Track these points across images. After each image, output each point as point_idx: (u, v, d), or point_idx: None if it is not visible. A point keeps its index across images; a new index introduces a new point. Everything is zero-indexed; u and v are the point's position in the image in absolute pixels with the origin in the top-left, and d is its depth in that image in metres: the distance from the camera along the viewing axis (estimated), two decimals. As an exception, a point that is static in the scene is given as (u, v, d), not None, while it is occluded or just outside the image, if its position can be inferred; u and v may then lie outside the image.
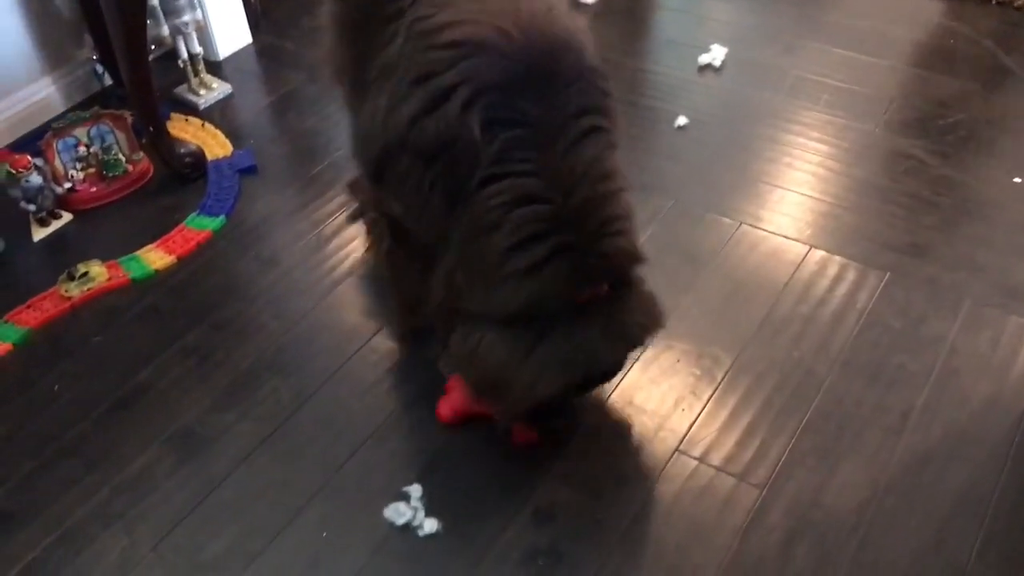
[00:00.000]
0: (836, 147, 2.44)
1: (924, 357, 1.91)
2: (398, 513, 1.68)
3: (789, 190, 2.32)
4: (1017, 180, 2.32)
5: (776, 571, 1.58)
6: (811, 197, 2.30)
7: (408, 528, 1.67)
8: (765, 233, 2.19)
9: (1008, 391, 1.84)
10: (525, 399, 1.53)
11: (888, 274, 2.08)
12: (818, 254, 2.13)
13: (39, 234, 2.31)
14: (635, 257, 1.56)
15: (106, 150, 2.40)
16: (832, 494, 1.69)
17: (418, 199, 1.53)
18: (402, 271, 1.85)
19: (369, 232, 2.04)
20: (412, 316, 1.93)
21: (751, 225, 2.22)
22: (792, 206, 2.27)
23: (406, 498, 1.70)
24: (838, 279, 2.07)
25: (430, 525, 1.66)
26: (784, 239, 2.17)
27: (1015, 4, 2.92)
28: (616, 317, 1.54)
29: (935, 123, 2.50)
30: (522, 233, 1.45)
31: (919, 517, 1.64)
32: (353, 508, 1.71)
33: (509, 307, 1.49)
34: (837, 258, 2.12)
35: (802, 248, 2.15)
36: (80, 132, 2.37)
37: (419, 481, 1.72)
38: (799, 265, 2.11)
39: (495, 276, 1.49)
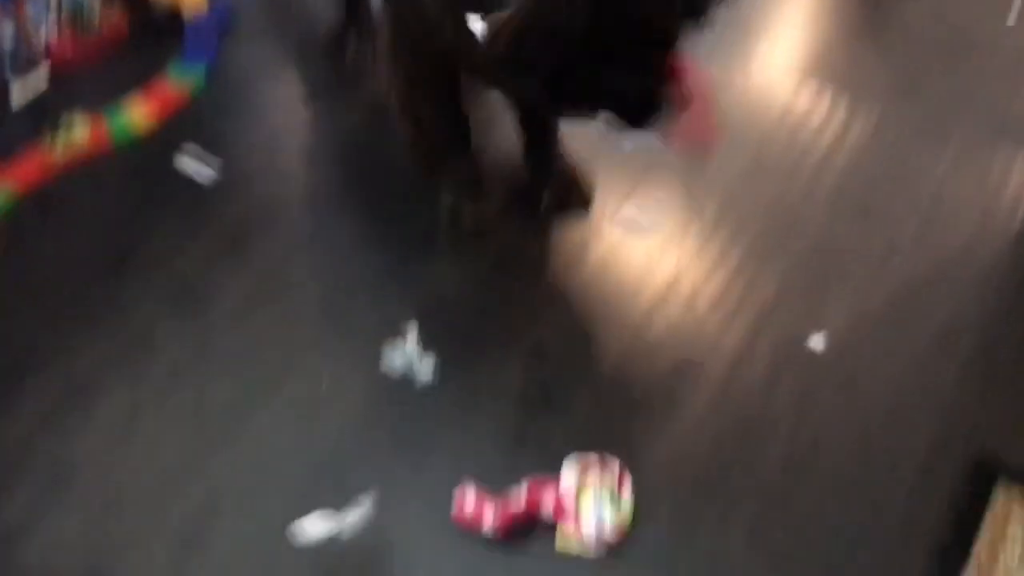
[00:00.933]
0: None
1: (913, 192, 1.92)
2: (395, 359, 1.72)
3: (782, 28, 2.27)
4: (1010, 22, 2.27)
5: (761, 404, 1.64)
6: (805, 33, 2.25)
7: (406, 373, 1.71)
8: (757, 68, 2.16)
9: (993, 223, 1.86)
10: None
11: (879, 108, 2.06)
12: (809, 90, 2.11)
13: (19, 96, 2.26)
14: None
15: (78, 5, 2.32)
16: (817, 325, 1.73)
17: None
18: (419, 100, 1.78)
19: (383, 63, 1.82)
20: (447, 148, 1.87)
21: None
22: (786, 42, 2.23)
23: (402, 345, 1.74)
24: (829, 117, 2.06)
25: (427, 368, 1.71)
26: (775, 76, 2.15)
27: None
28: None
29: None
30: None
31: (902, 345, 1.69)
32: (351, 356, 1.75)
33: None
34: (828, 94, 2.09)
35: (791, 84, 2.13)
36: (50, -13, 2.29)
37: (415, 327, 1.76)
38: (789, 104, 2.09)
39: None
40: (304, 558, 1.49)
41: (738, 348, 1.71)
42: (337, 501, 1.55)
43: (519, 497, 1.48)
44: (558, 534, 1.47)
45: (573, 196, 1.93)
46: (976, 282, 1.77)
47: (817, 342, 1.70)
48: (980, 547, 1.44)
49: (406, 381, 1.70)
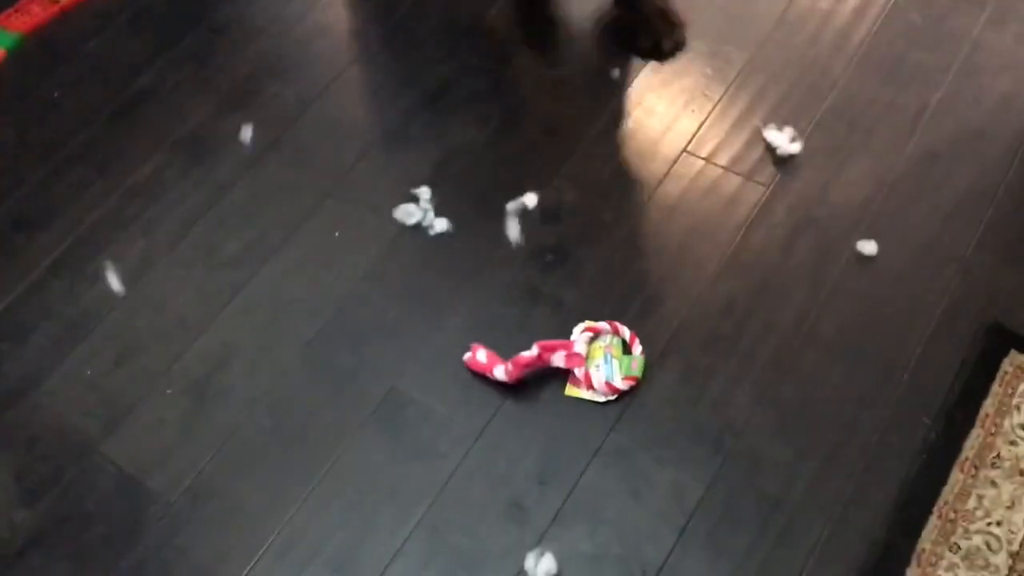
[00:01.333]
0: None
1: (944, 54, 1.85)
2: (408, 213, 1.71)
3: None
4: None
5: (776, 264, 1.62)
6: None
7: (419, 228, 1.70)
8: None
9: (1026, 89, 1.80)
10: None
11: (916, -34, 1.96)
12: (843, -54, 2.00)
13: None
14: None
15: None
16: (838, 191, 1.70)
17: None
18: None
19: None
20: None
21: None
22: None
23: (415, 200, 1.72)
24: (862, -27, 1.96)
25: (440, 224, 1.70)
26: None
27: None
28: None
29: None
30: None
31: (922, 212, 1.66)
32: (364, 209, 1.73)
33: None
34: (863, -50, 1.99)
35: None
36: None
37: (427, 184, 1.74)
38: (822, -42, 1.99)
39: None
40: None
41: (754, 210, 1.68)
42: (349, 352, 1.56)
43: (531, 351, 1.49)
44: (568, 382, 1.49)
45: (670, 33, 1.87)
46: (1003, 150, 1.72)
47: (836, 204, 1.67)
48: (986, 410, 1.46)
49: (420, 231, 1.69)
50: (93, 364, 1.59)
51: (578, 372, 1.48)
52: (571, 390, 1.49)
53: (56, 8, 2.04)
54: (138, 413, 1.53)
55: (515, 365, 1.47)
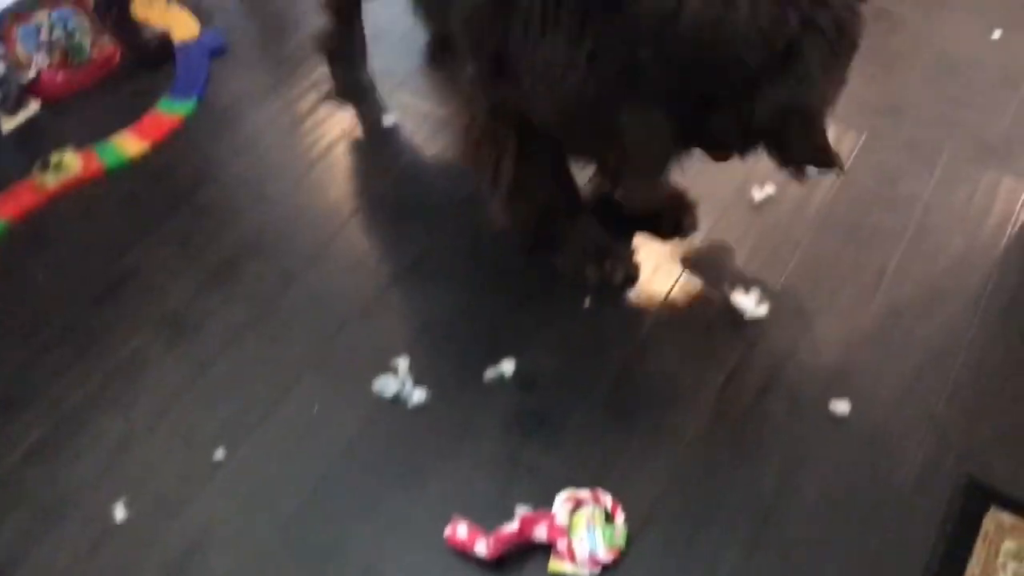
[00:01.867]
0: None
1: (900, 215, 1.93)
2: (387, 385, 1.73)
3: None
4: (995, 36, 2.29)
5: (753, 427, 1.64)
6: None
7: (397, 399, 1.71)
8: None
9: (980, 245, 1.87)
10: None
11: (865, 134, 2.08)
12: (796, 117, 2.12)
13: (9, 124, 2.27)
14: None
15: (69, 35, 2.33)
16: (807, 352, 1.74)
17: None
18: (533, 179, 1.74)
19: (479, 148, 1.74)
20: (544, 223, 1.84)
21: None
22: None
23: (394, 370, 1.74)
24: (816, 141, 2.07)
25: (418, 395, 1.71)
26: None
27: None
28: None
29: (916, -22, 2.46)
30: None
31: (891, 370, 1.70)
32: (343, 382, 1.75)
33: None
34: (815, 120, 2.11)
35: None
36: (41, 17, 2.30)
37: (407, 353, 1.76)
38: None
39: None
40: (296, 588, 1.49)
41: (727, 373, 1.71)
42: (329, 530, 1.55)
43: (512, 525, 1.48)
44: (552, 556, 1.47)
45: (685, 216, 1.93)
46: (964, 306, 1.78)
47: (806, 365, 1.71)
48: (972, 570, 1.45)
49: (398, 404, 1.70)
50: (69, 548, 1.56)
51: (561, 545, 1.47)
52: (554, 565, 1.47)
53: (44, 194, 2.10)
54: (112, 602, 1.50)
55: (496, 541, 1.46)
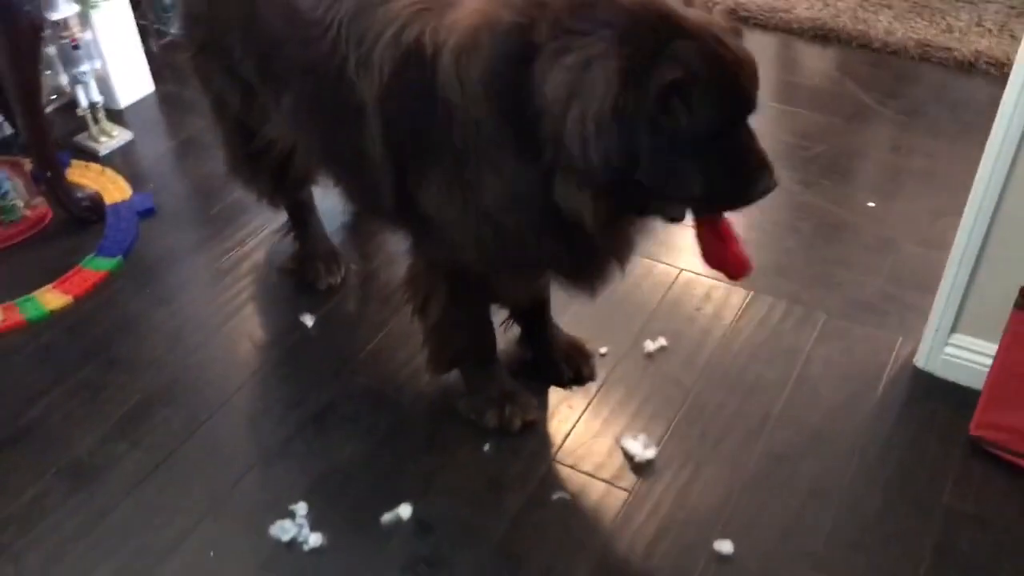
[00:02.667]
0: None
1: (782, 366, 2.05)
2: (284, 530, 1.75)
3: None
4: (871, 204, 2.51)
5: (641, 568, 1.68)
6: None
7: (294, 544, 1.73)
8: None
9: (857, 394, 1.99)
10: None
11: (752, 293, 2.23)
12: (687, 276, 2.28)
13: (-66, 279, 2.34)
14: None
15: (2, 196, 2.44)
16: (694, 495, 1.80)
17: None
18: (456, 325, 1.85)
19: (411, 286, 1.87)
20: (457, 364, 1.95)
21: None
22: (662, 232, 2.41)
23: (292, 515, 1.77)
24: (706, 298, 2.22)
25: (315, 540, 1.73)
26: (655, 262, 2.31)
27: (873, 46, 3.16)
28: None
29: (799, 154, 2.69)
30: None
31: (774, 511, 1.77)
32: (240, 528, 1.77)
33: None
34: (704, 279, 2.26)
35: (673, 270, 2.29)
36: (-23, 178, 2.42)
37: (305, 499, 1.79)
38: (670, 286, 2.25)
39: None
40: None
41: (618, 516, 1.76)
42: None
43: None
44: None
45: (587, 362, 2.03)
46: (844, 448, 1.88)
47: (693, 507, 1.77)
48: None
49: (294, 549, 1.72)
50: None
51: None
52: None
53: (-39, 344, 2.14)
54: None
55: None
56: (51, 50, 2.65)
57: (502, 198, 1.52)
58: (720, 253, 1.57)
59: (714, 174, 1.41)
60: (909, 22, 3.23)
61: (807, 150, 2.71)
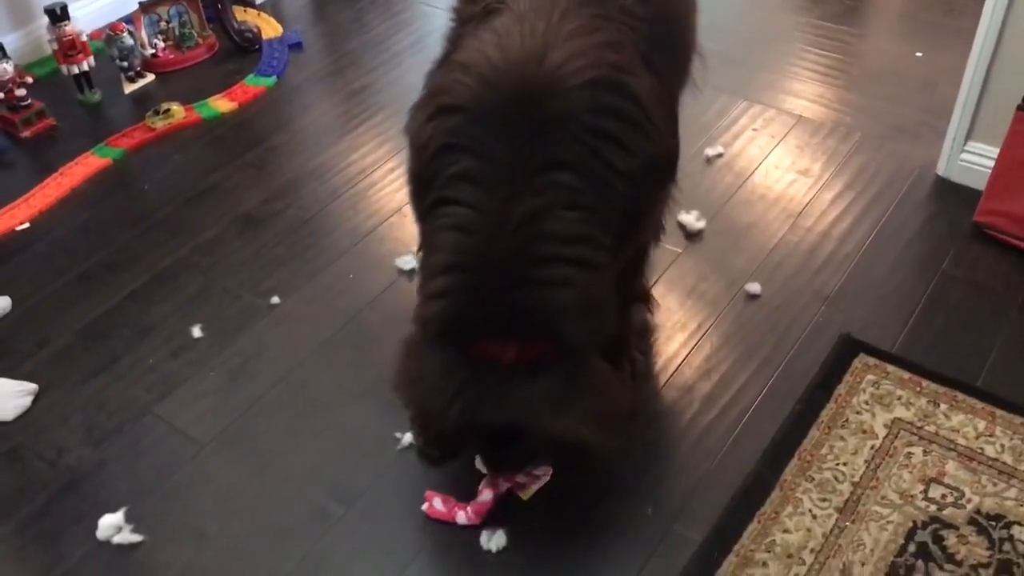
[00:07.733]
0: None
1: (819, 168, 2.43)
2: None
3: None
4: (919, 54, 2.82)
5: (684, 303, 2.11)
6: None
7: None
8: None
9: (881, 192, 2.35)
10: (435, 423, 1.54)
11: (800, 116, 2.59)
12: (744, 102, 2.65)
13: (129, 88, 2.90)
14: (571, 312, 1.41)
15: (182, 25, 2.98)
16: (733, 255, 2.21)
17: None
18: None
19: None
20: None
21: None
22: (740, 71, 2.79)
23: (412, 254, 2.25)
24: (758, 118, 2.59)
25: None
26: (719, 92, 2.69)
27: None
28: (550, 385, 1.46)
29: (862, 9, 3.02)
30: (439, 259, 1.43)
31: (798, 265, 2.16)
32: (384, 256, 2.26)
33: (429, 328, 1.48)
34: (758, 107, 2.62)
35: (739, 100, 2.67)
36: (162, 10, 2.96)
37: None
38: (728, 111, 2.63)
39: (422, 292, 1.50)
40: None
41: (668, 269, 2.19)
42: None
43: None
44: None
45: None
46: (863, 225, 2.25)
47: (731, 263, 2.18)
48: (839, 391, 1.88)
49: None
50: (156, 356, 2.06)
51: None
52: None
53: (152, 134, 2.69)
54: None
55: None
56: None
57: None
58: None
59: None
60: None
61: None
